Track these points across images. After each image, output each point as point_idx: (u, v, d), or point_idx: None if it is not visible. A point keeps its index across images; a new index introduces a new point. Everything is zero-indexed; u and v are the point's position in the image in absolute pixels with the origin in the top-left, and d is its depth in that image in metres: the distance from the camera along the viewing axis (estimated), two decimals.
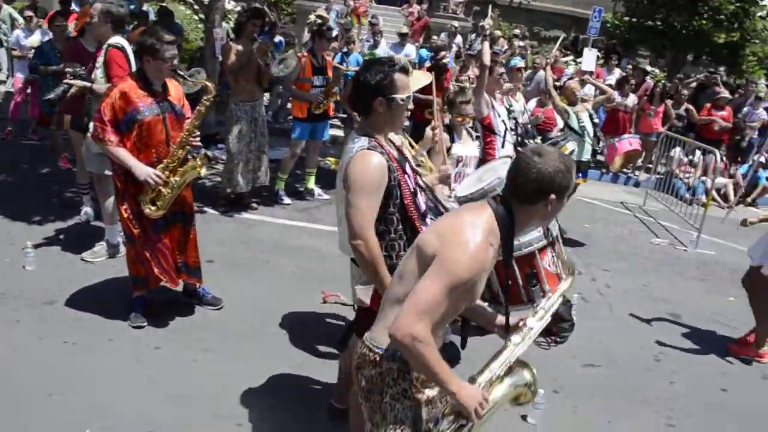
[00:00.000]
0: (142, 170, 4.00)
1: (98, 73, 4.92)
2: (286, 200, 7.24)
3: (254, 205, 6.94)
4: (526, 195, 2.13)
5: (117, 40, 4.94)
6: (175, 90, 4.26)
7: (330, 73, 7.11)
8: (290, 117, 8.25)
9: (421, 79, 4.13)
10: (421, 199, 2.96)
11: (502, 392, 2.23)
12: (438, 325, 2.08)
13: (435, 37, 13.82)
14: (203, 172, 4.25)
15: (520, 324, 2.35)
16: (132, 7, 14.72)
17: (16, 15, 12.48)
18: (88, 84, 4.89)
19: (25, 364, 3.84)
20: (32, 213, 6.05)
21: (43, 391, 3.60)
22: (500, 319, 2.43)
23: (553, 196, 2.11)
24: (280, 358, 4.16)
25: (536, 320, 2.37)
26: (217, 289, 4.79)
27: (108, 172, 5.07)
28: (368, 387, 2.24)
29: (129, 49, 4.95)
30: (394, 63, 2.81)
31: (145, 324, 4.33)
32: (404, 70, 2.82)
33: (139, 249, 4.22)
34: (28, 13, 10.62)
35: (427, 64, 10.17)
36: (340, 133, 10.64)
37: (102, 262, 5.22)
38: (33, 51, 8.79)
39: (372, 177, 2.66)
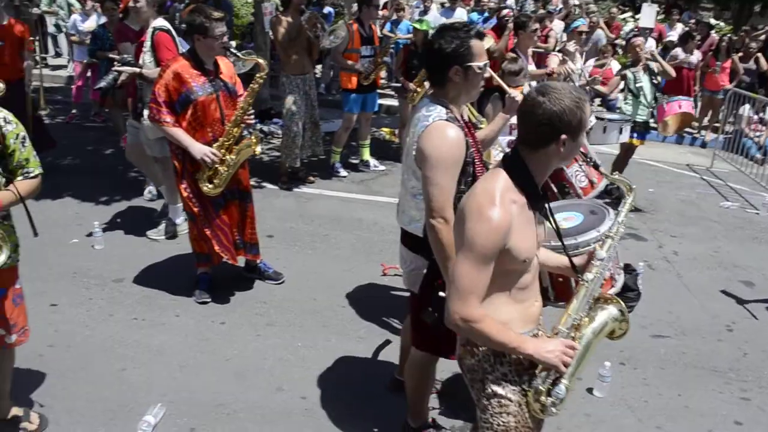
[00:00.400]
0: (198, 149, 4.04)
1: (146, 57, 4.97)
2: (343, 173, 7.24)
3: (311, 178, 6.97)
4: (536, 139, 1.98)
5: (161, 23, 4.99)
6: (227, 68, 4.26)
7: (378, 43, 7.03)
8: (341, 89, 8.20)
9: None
10: None
11: (593, 331, 2.11)
12: (501, 291, 2.03)
13: (485, 0, 13.47)
14: (258, 150, 4.25)
15: (591, 260, 2.20)
16: None
17: (72, 0, 12.78)
18: (137, 69, 4.94)
19: (98, 340, 3.98)
20: (98, 193, 6.24)
21: (116, 366, 3.73)
22: (565, 260, 2.30)
23: (564, 136, 1.95)
24: (342, 331, 4.19)
25: (605, 250, 2.20)
26: (278, 264, 4.85)
27: (168, 153, 5.19)
28: (471, 376, 2.18)
29: (173, 31, 5.01)
30: (470, 29, 2.64)
31: (210, 300, 4.42)
32: (480, 36, 2.66)
33: (200, 227, 4.28)
34: None
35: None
36: (392, 102, 10.56)
37: (166, 240, 5.35)
38: (90, 35, 8.99)
39: (451, 151, 2.53)
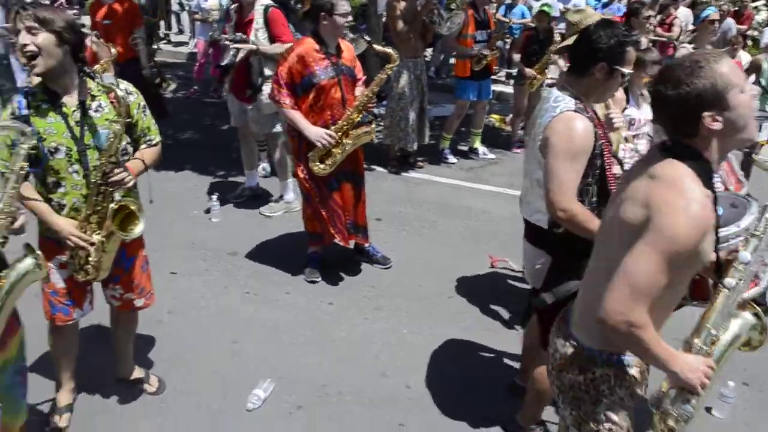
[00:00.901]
0: (315, 132, 4.04)
1: (259, 34, 5.04)
2: (452, 159, 7.13)
3: (420, 163, 6.91)
4: (687, 121, 1.76)
5: (267, 0, 5.06)
6: (348, 51, 4.24)
7: (492, 27, 6.84)
8: (452, 74, 8.06)
9: None
10: (617, 169, 2.70)
11: (726, 342, 1.90)
12: (660, 304, 1.80)
13: None
14: (373, 137, 4.20)
15: (733, 261, 1.92)
16: None
17: None
18: (254, 47, 5.01)
19: (213, 311, 4.12)
20: (215, 168, 6.47)
21: (228, 338, 3.84)
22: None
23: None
24: (448, 320, 4.12)
25: (750, 251, 1.91)
26: (386, 248, 4.83)
27: (276, 130, 5.30)
28: (574, 394, 2.00)
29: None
30: (632, 34, 2.59)
31: (319, 279, 4.47)
32: (636, 44, 2.64)
33: (315, 206, 4.32)
34: None
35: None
36: (503, 89, 10.31)
37: (279, 216, 5.46)
38: (213, 13, 9.29)
39: (578, 142, 2.43)
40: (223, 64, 5.25)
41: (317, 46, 4.06)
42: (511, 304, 4.27)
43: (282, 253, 4.84)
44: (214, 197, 5.50)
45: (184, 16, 13.24)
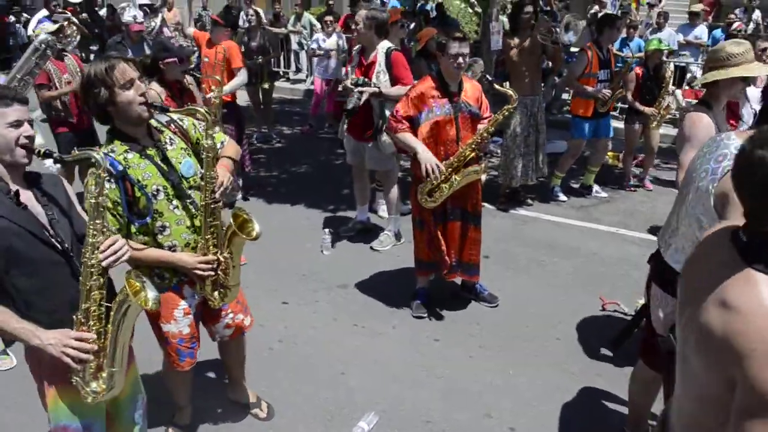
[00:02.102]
0: (426, 157, 4.10)
1: (381, 77, 5.20)
2: (562, 197, 7.00)
3: (529, 201, 6.85)
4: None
5: (386, 44, 5.23)
6: (472, 90, 4.26)
7: (613, 65, 6.70)
8: (567, 112, 7.94)
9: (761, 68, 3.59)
10: None
11: None
12: None
13: (732, 15, 12.27)
14: (483, 178, 4.18)
15: None
16: (402, 5, 15.53)
17: (314, 21, 13.93)
18: (376, 89, 5.18)
19: (321, 341, 4.26)
20: (327, 201, 6.71)
21: (335, 369, 3.95)
22: None
23: None
24: (555, 363, 4.03)
25: None
26: (493, 286, 4.81)
27: (389, 167, 5.47)
28: None
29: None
30: None
31: (426, 315, 4.52)
32: None
33: (427, 235, 4.38)
34: (327, 18, 11.74)
35: None
36: (618, 125, 10.03)
37: (388, 251, 5.59)
38: (329, 53, 9.72)
39: None
40: (348, 108, 5.39)
41: (436, 84, 4.16)
42: (623, 352, 4.12)
43: (390, 287, 4.94)
44: (327, 231, 5.71)
45: (302, 55, 13.89)
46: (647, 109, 6.77)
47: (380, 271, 5.24)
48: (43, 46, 4.07)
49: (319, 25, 13.35)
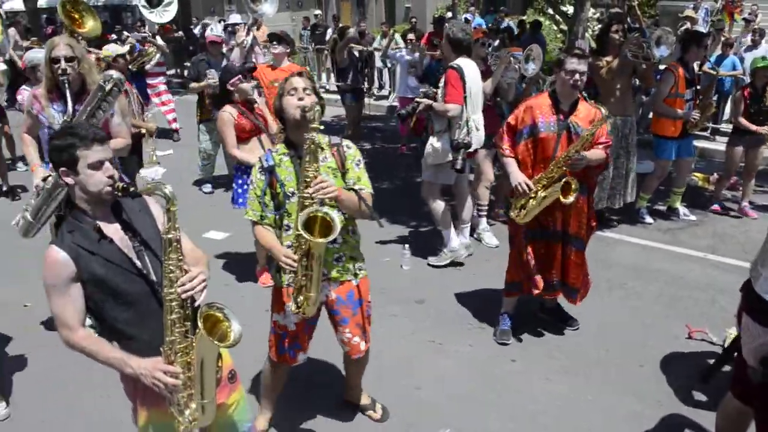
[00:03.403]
0: (516, 176, 4.11)
1: (439, 92, 5.31)
2: (648, 219, 6.81)
3: (614, 222, 6.69)
4: None
5: (458, 61, 5.28)
6: (586, 112, 4.15)
7: (698, 83, 6.49)
8: (651, 130, 7.69)
9: None
10: None
11: None
12: None
13: None
14: (569, 199, 4.04)
15: None
16: (487, 23, 15.53)
17: (399, 39, 14.14)
18: (430, 102, 5.31)
19: (398, 355, 4.31)
20: (407, 217, 6.78)
21: (411, 384, 4.00)
22: None
23: None
24: (638, 392, 3.91)
25: None
26: (573, 309, 4.73)
27: (439, 180, 5.52)
28: None
29: (468, 69, 5.26)
30: None
31: (510, 342, 4.45)
32: None
33: (516, 252, 4.35)
34: (410, 36, 11.91)
35: None
36: (708, 145, 9.69)
37: (468, 268, 5.61)
38: (411, 69, 9.83)
39: None
40: (401, 112, 5.58)
41: (550, 101, 4.14)
42: (712, 380, 3.97)
43: (469, 304, 4.95)
44: (406, 246, 5.78)
45: (386, 72, 14.12)
46: (761, 129, 6.50)
47: (459, 287, 5.25)
48: (108, 85, 3.97)
49: (402, 43, 13.55)
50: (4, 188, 8.24)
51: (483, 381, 4.03)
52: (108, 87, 3.95)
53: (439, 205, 5.62)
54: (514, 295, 4.50)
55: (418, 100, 5.45)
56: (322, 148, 3.03)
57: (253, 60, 7.64)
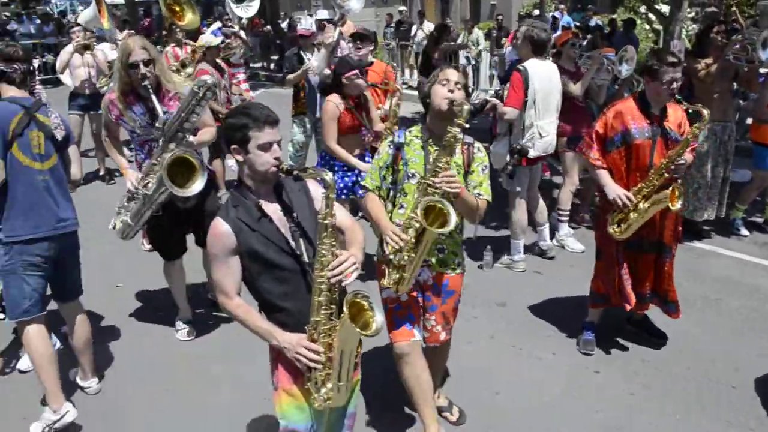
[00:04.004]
0: (613, 189, 3.95)
1: (506, 93, 5.26)
2: (744, 231, 6.45)
3: (707, 233, 6.40)
4: None
5: (527, 63, 5.19)
6: (674, 115, 4.02)
7: None
8: (749, 138, 7.30)
9: None
10: None
11: None
12: None
13: None
14: (677, 206, 3.89)
15: None
16: (572, 22, 15.12)
17: (480, 36, 14.04)
18: (496, 102, 5.30)
19: (477, 358, 4.27)
20: (489, 219, 6.67)
21: (490, 388, 3.96)
22: None
23: None
24: (729, 413, 3.73)
25: None
26: (662, 322, 4.53)
27: (517, 189, 5.42)
28: None
29: (536, 72, 5.14)
30: None
31: (594, 352, 4.32)
32: None
33: (605, 265, 4.21)
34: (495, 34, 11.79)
35: None
36: None
37: (554, 274, 5.51)
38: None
39: None
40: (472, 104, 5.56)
41: (638, 105, 3.98)
42: None
43: (552, 310, 4.86)
44: (488, 248, 5.71)
45: (470, 70, 14.00)
46: None
47: (542, 293, 5.15)
48: (202, 90, 4.00)
49: (484, 42, 13.44)
50: (101, 172, 8.66)
51: (564, 391, 3.94)
52: (201, 93, 3.99)
53: (519, 214, 5.53)
54: (600, 306, 4.37)
55: (488, 98, 5.39)
56: (457, 141, 3.07)
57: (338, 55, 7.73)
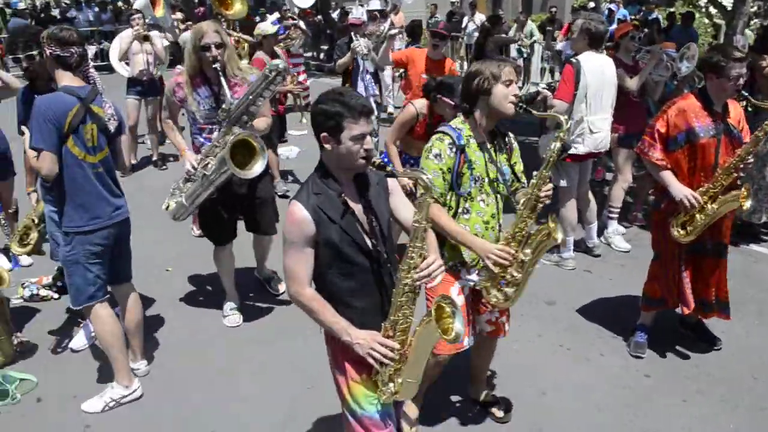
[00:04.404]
0: (679, 189, 3.80)
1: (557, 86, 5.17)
2: None
3: (764, 236, 6.15)
4: None
5: (582, 56, 5.06)
6: (735, 111, 3.90)
7: None
8: None
9: None
10: None
11: None
12: None
13: None
14: (746, 205, 3.74)
15: None
16: (630, 15, 14.74)
17: (535, 30, 13.78)
18: (548, 93, 5.21)
19: (524, 356, 4.21)
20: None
21: (537, 388, 3.89)
22: None
23: None
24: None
25: None
26: (716, 327, 4.39)
27: (563, 183, 5.30)
28: None
29: (590, 65, 5.00)
30: None
31: (644, 355, 4.20)
32: None
33: (662, 269, 4.08)
34: (548, 27, 11.56)
35: None
36: None
37: (603, 274, 5.39)
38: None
39: None
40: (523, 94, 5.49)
41: (701, 102, 3.84)
42: None
43: (602, 311, 4.75)
44: None
45: (521, 63, 13.78)
46: None
47: (591, 292, 5.04)
48: (273, 73, 4.00)
49: (538, 35, 13.19)
50: (154, 157, 8.83)
51: (613, 394, 3.85)
52: (272, 76, 4.00)
53: (568, 211, 5.41)
54: (654, 310, 4.24)
55: (540, 89, 5.28)
56: (505, 135, 3.11)
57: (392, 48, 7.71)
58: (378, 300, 2.47)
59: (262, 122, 4.36)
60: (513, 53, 13.87)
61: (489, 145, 3.07)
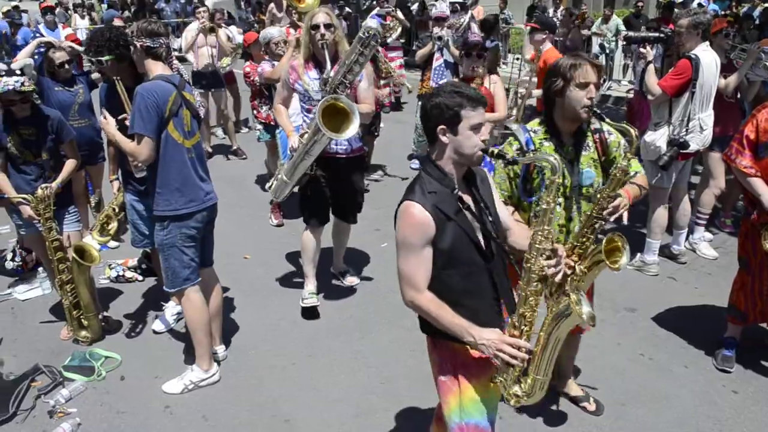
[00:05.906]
0: None
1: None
2: None
3: None
4: None
5: (698, 50, 4.82)
6: None
7: None
8: None
9: None
10: None
11: None
12: None
13: None
14: None
15: None
16: (720, 10, 14.02)
17: (621, 25, 13.29)
18: (649, 57, 5.01)
19: (601, 365, 4.07)
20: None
21: (616, 397, 3.76)
22: None
23: None
24: None
25: None
26: None
27: (661, 183, 5.04)
28: None
29: (704, 60, 4.76)
30: None
31: (732, 370, 3.99)
32: None
33: (747, 278, 3.88)
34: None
35: None
36: None
37: (686, 282, 5.16)
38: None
39: None
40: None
41: None
42: None
43: (685, 320, 4.54)
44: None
45: (603, 59, 13.37)
46: None
47: (675, 300, 4.83)
48: (367, 34, 3.92)
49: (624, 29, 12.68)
50: (234, 147, 9.01)
51: (696, 408, 3.68)
52: (365, 37, 3.92)
53: (661, 213, 5.19)
54: (738, 323, 4.02)
55: (641, 51, 5.09)
56: (587, 135, 2.98)
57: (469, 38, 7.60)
58: (490, 299, 2.39)
59: (365, 107, 4.36)
60: (595, 48, 13.48)
61: (567, 147, 2.95)
